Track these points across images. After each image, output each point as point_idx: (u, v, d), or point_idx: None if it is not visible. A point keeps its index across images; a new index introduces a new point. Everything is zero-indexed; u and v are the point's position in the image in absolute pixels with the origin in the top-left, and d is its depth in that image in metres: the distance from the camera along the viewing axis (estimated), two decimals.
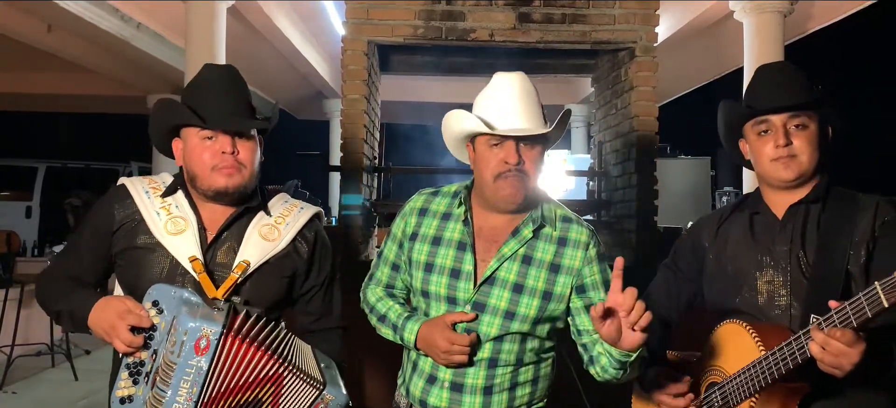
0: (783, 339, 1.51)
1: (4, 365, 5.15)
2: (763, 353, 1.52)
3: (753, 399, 1.56)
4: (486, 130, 1.65)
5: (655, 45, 4.00)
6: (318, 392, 1.55)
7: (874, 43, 7.34)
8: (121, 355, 1.57)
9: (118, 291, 1.72)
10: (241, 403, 1.51)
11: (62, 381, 5.32)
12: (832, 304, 1.40)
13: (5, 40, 7.17)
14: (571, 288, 1.67)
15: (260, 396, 1.52)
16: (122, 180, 1.77)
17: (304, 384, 1.54)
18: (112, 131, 14.09)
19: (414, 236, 1.77)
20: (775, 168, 1.63)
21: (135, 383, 1.55)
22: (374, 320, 1.82)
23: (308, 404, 1.55)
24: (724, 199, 7.07)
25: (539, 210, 1.72)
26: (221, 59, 5.52)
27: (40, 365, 5.61)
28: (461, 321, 1.65)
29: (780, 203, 1.67)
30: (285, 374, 1.52)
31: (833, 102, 1.64)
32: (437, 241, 1.73)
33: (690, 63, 8.11)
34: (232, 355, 1.48)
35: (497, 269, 1.66)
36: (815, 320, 1.43)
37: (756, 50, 5.77)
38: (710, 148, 7.14)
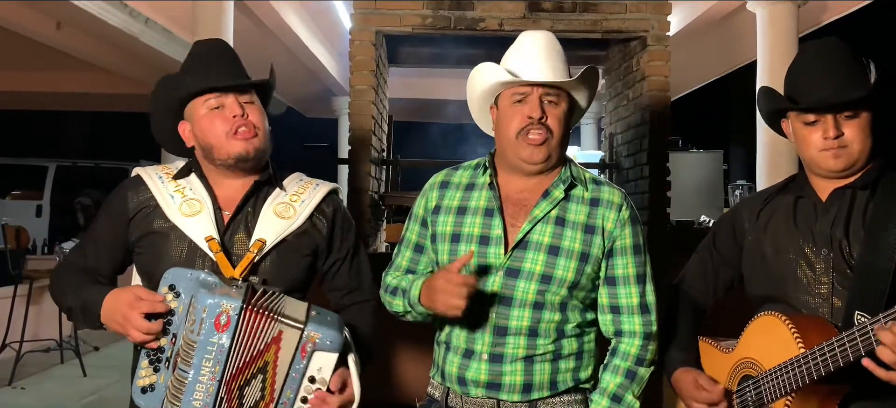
0: (823, 335, 1.42)
1: (14, 361, 5.14)
2: (802, 350, 1.43)
3: (789, 398, 1.48)
4: (509, 78, 1.61)
5: (668, 34, 3.94)
6: (299, 332, 1.47)
7: (891, 34, 7.23)
8: (139, 345, 1.54)
9: (136, 279, 1.69)
10: (255, 372, 1.48)
11: (71, 377, 5.31)
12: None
13: (15, 38, 7.19)
14: (603, 251, 1.61)
15: (267, 358, 1.48)
16: (137, 170, 1.74)
17: (288, 328, 1.47)
18: (122, 130, 14.11)
19: (437, 210, 1.71)
20: (824, 158, 1.54)
21: (155, 370, 1.53)
22: (387, 298, 1.74)
23: (294, 348, 1.48)
24: (737, 192, 7.00)
25: (568, 170, 1.66)
26: None
27: (49, 361, 5.61)
28: (462, 264, 1.55)
29: (825, 187, 1.59)
30: (283, 328, 1.47)
31: (887, 85, 1.53)
32: (462, 211, 1.67)
33: (703, 57, 8.02)
34: (252, 328, 1.45)
35: (529, 231, 1.59)
36: (860, 318, 1.35)
37: (769, 42, 5.69)
38: (723, 142, 7.09)
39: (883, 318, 1.31)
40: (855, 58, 1.56)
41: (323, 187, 1.76)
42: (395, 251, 1.80)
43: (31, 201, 10.92)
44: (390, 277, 1.77)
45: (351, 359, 1.55)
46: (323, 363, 1.49)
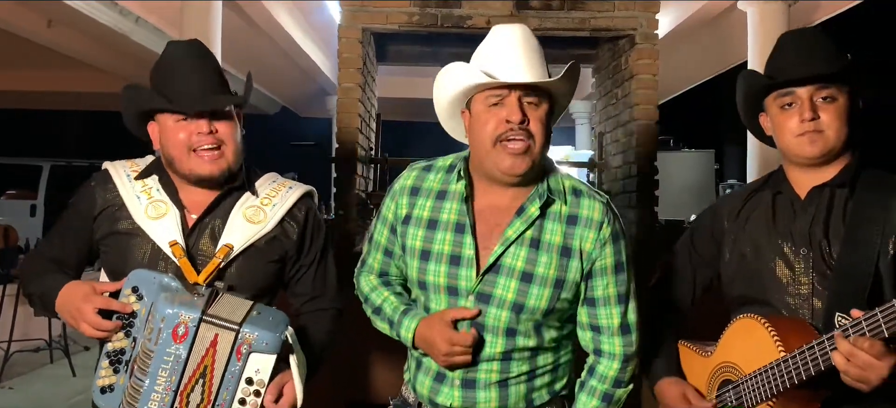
0: (804, 338, 1.40)
1: (2, 361, 5.12)
2: (783, 354, 1.41)
3: (771, 403, 1.45)
4: (484, 79, 1.45)
5: (656, 32, 3.93)
6: (234, 334, 1.44)
7: (883, 33, 7.23)
8: (104, 343, 1.52)
9: (103, 277, 1.67)
10: (198, 377, 1.46)
11: (60, 377, 5.29)
12: (855, 313, 1.29)
13: (8, 38, 7.18)
14: (582, 273, 1.49)
15: (206, 362, 1.46)
16: (106, 164, 1.72)
17: (224, 330, 1.44)
18: (117, 130, 14.08)
19: (407, 219, 1.58)
20: (800, 144, 1.50)
21: (116, 371, 1.51)
22: (369, 312, 1.67)
23: (229, 350, 1.45)
24: (728, 192, 6.95)
25: (545, 184, 1.51)
26: (218, 54, 5.47)
27: (38, 361, 5.59)
28: (462, 318, 1.48)
29: (803, 182, 1.55)
30: (218, 331, 1.44)
31: (865, 71, 1.51)
32: (432, 224, 1.54)
33: (696, 56, 8.02)
34: (208, 339, 1.43)
35: (502, 254, 1.47)
36: (840, 320, 1.33)
37: (760, 41, 5.69)
38: (715, 143, 7.06)
39: (864, 321, 1.29)
40: (832, 43, 1.54)
41: (296, 190, 1.72)
42: (365, 249, 1.73)
43: (25, 201, 10.90)
44: (365, 282, 1.71)
45: (293, 360, 1.50)
46: (260, 365, 1.46)
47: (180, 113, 1.58)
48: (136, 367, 1.43)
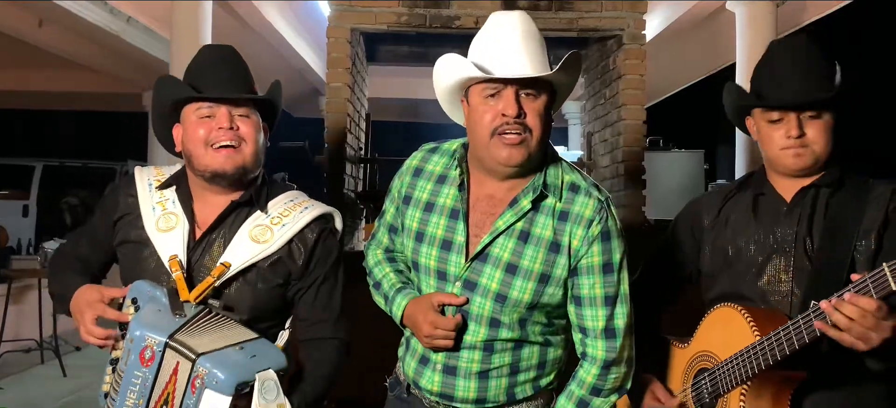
0: (779, 324, 1.44)
1: None
2: (758, 338, 1.45)
3: (745, 387, 1.48)
4: (480, 74, 1.43)
5: (644, 32, 3.96)
6: (190, 363, 1.38)
7: (871, 34, 7.26)
8: (109, 350, 1.52)
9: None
10: (163, 403, 1.42)
11: (50, 377, 5.28)
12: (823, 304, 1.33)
13: (1, 38, 7.16)
14: (569, 270, 1.46)
15: (169, 389, 1.41)
16: (135, 168, 1.73)
17: (183, 359, 1.39)
18: (109, 130, 14.06)
19: (407, 199, 1.60)
20: (786, 156, 1.54)
21: None
22: (371, 284, 1.69)
23: (186, 381, 1.39)
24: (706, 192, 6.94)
25: (542, 176, 1.48)
26: None
27: (30, 361, 5.58)
28: (450, 304, 1.48)
29: (787, 187, 1.59)
30: (180, 359, 1.39)
31: (851, 89, 1.54)
32: (429, 207, 1.56)
33: (688, 57, 8.04)
34: (171, 366, 1.39)
35: (489, 244, 1.47)
36: (815, 305, 1.37)
37: (749, 41, 5.71)
38: (706, 143, 7.07)
39: (869, 277, 1.32)
40: (823, 57, 1.56)
41: (312, 211, 1.63)
42: (376, 223, 1.75)
43: (17, 201, 10.85)
44: (371, 255, 1.72)
45: (256, 401, 1.40)
46: (215, 403, 1.37)
47: (203, 100, 1.57)
48: (113, 383, 1.43)
